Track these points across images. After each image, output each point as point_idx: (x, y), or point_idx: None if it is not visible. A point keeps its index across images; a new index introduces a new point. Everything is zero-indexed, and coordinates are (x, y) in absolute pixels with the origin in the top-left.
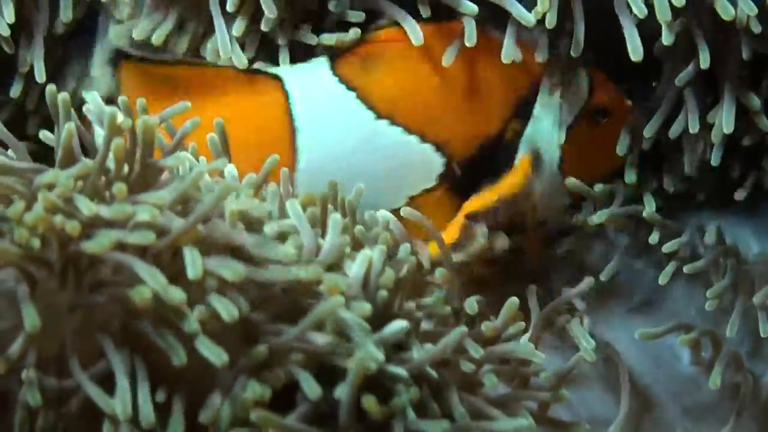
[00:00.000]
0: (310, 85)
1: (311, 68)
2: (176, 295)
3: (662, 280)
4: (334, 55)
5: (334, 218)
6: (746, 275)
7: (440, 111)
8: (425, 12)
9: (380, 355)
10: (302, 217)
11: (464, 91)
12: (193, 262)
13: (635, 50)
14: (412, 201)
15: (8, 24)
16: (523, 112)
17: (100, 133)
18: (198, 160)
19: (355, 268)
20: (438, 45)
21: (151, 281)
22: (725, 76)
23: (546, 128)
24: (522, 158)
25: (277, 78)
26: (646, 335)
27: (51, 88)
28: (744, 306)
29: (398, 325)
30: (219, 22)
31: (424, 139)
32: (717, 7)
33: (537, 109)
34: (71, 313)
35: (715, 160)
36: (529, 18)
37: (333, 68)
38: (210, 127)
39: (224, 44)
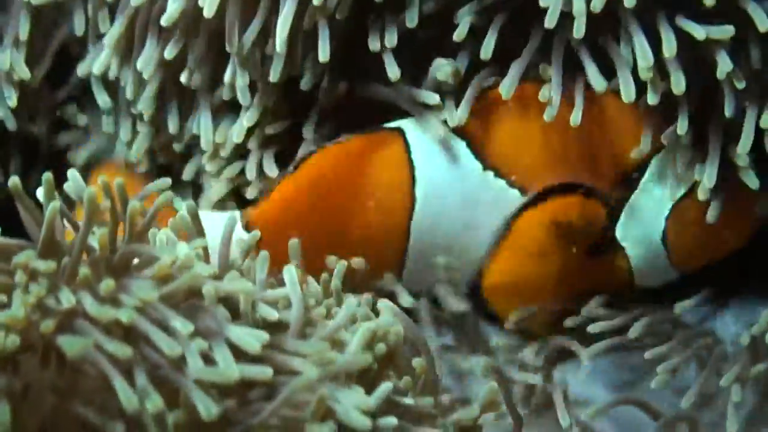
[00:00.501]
0: (427, 135)
1: (428, 118)
2: (154, 404)
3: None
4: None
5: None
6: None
7: (545, 169)
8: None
9: None
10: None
11: (570, 152)
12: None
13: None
14: None
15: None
16: (629, 181)
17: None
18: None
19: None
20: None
21: (126, 402)
22: None
23: (652, 200)
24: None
25: (399, 130)
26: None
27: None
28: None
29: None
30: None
31: (524, 193)
32: None
33: (645, 179)
34: (53, 393)
35: None
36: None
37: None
38: (353, 193)
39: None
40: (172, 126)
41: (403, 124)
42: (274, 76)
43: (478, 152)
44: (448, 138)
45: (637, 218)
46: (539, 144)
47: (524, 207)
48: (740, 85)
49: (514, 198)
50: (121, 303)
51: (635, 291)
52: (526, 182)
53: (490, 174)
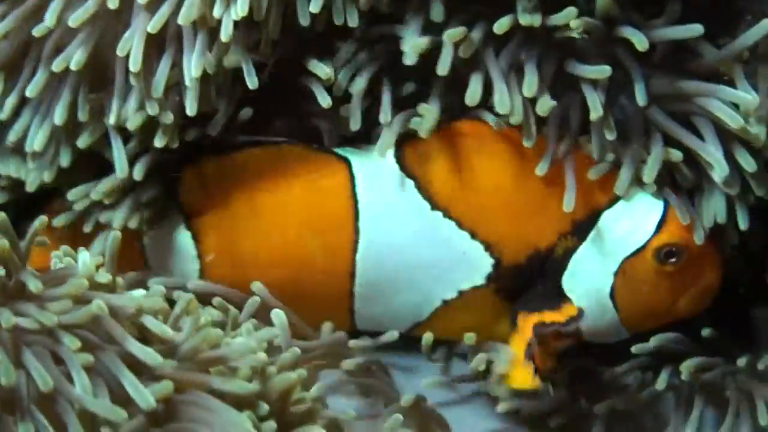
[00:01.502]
0: (375, 169)
1: (378, 153)
2: None
3: None
4: (401, 141)
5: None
6: None
7: (495, 213)
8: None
9: None
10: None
11: (523, 198)
12: None
13: None
14: (461, 295)
15: None
16: (579, 231)
17: None
18: None
19: None
20: (507, 147)
21: None
22: None
23: (600, 254)
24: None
25: (344, 160)
26: None
27: None
28: None
29: None
30: None
31: (474, 236)
32: None
33: (594, 233)
34: None
35: None
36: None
37: (397, 154)
38: (284, 207)
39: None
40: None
41: (350, 154)
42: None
43: (426, 192)
44: (396, 175)
45: (584, 271)
46: (490, 187)
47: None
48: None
49: (464, 239)
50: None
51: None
52: (475, 224)
53: (439, 214)
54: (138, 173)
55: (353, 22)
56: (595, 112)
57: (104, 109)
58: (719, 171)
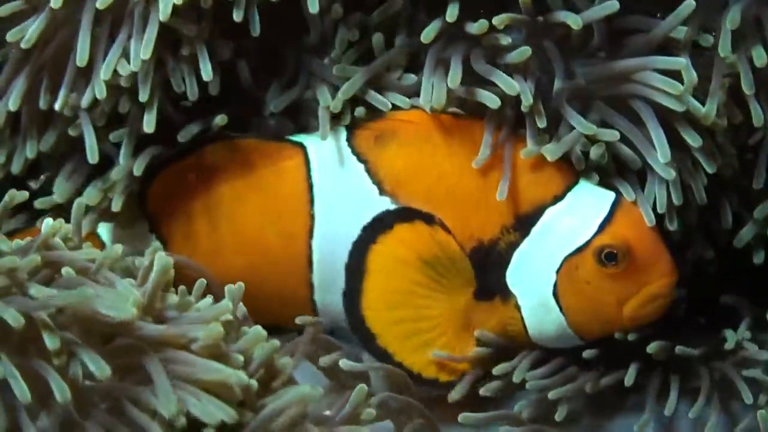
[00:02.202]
0: (328, 153)
1: (330, 137)
2: None
3: None
4: (353, 126)
5: None
6: None
7: (440, 200)
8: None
9: None
10: None
11: (466, 189)
12: None
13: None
14: None
15: None
16: (522, 226)
17: None
18: None
19: None
20: (454, 137)
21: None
22: None
23: (543, 250)
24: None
25: (300, 145)
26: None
27: None
28: None
29: None
30: None
31: None
32: None
33: (538, 228)
34: None
35: None
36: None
37: (349, 138)
38: (241, 196)
39: None
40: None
41: (305, 139)
42: None
43: (375, 176)
44: (348, 159)
45: (527, 266)
46: (434, 176)
47: (368, 238)
48: None
49: None
50: None
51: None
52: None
53: (387, 200)
54: (138, 169)
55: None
56: (526, 100)
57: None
58: (661, 153)
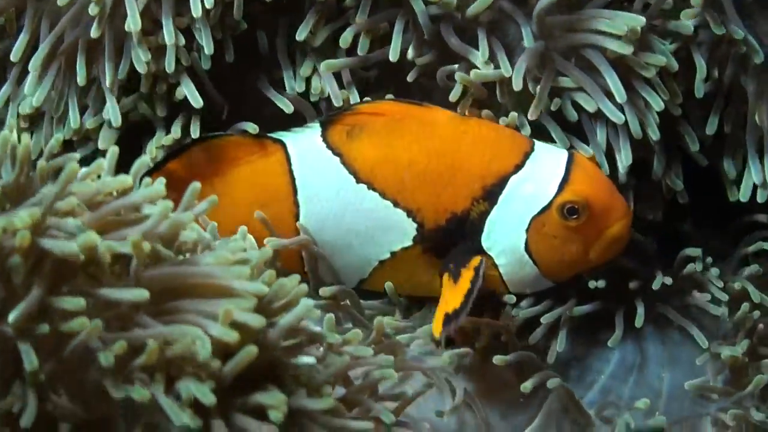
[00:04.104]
0: (305, 148)
1: (306, 133)
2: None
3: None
4: (325, 122)
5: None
6: None
7: (412, 183)
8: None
9: None
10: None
11: (435, 170)
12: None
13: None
14: (393, 255)
15: None
16: (490, 196)
17: None
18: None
19: None
20: (419, 124)
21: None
22: None
23: (511, 214)
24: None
25: (280, 142)
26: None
27: None
28: None
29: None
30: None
31: (396, 205)
32: None
33: (504, 196)
34: None
35: None
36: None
37: (323, 134)
38: (228, 191)
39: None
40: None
41: (284, 136)
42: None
43: (350, 167)
44: (323, 153)
45: (499, 231)
46: (405, 161)
47: None
48: None
49: (389, 208)
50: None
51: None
52: (396, 194)
53: (364, 186)
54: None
55: None
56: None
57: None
58: (618, 97)
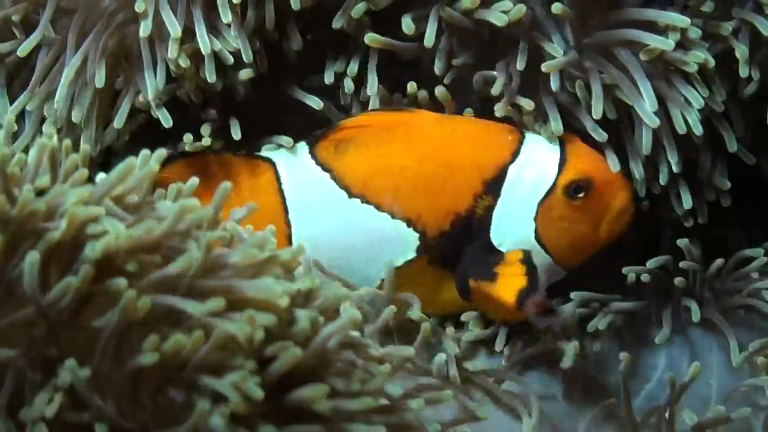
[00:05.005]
0: (294, 167)
1: (294, 151)
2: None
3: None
4: (313, 140)
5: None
6: None
7: (408, 190)
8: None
9: None
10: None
11: (429, 173)
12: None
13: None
14: (396, 271)
15: None
16: (492, 189)
17: None
18: None
19: None
20: (404, 130)
21: None
22: None
23: (517, 204)
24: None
25: (269, 161)
26: None
27: None
28: None
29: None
30: None
31: (394, 216)
32: None
33: (506, 186)
34: None
35: None
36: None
37: (311, 152)
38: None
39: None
40: None
41: (273, 155)
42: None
43: (341, 182)
44: (313, 170)
45: (507, 223)
46: (396, 169)
47: None
48: None
49: (386, 220)
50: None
51: None
52: (392, 205)
53: (357, 201)
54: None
55: None
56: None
57: None
58: (649, 102)
